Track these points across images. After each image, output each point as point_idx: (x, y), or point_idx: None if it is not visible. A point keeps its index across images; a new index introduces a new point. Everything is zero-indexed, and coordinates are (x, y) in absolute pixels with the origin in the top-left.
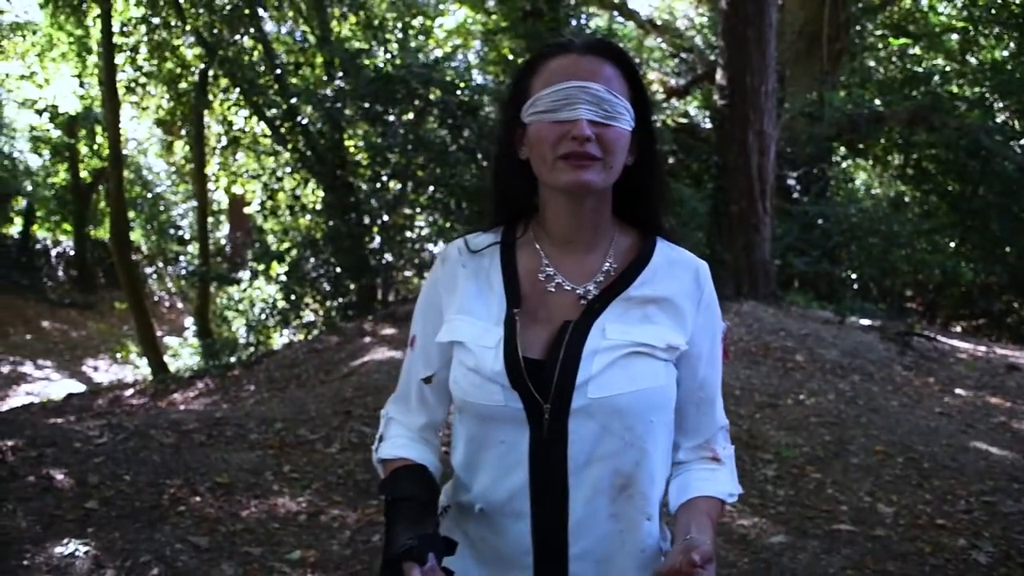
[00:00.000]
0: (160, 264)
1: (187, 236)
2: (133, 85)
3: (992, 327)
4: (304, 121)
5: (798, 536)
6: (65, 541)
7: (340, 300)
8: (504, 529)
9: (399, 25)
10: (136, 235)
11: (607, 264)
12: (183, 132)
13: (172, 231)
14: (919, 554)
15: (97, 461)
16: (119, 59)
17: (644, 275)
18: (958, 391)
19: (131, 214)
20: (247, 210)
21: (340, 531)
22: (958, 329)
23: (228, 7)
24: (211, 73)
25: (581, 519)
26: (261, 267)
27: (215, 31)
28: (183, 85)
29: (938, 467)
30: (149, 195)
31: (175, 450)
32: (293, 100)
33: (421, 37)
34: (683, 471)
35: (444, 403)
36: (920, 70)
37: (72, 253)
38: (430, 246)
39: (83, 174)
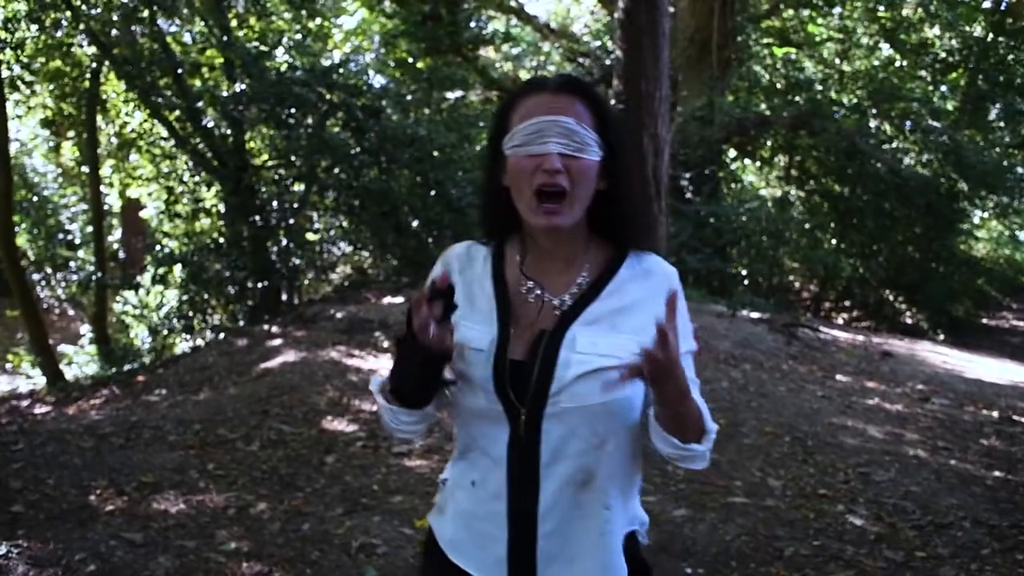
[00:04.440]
0: (48, 270)
1: (77, 241)
2: (18, 83)
3: (870, 318)
4: (208, 124)
5: (697, 509)
6: None
7: (247, 303)
8: (487, 506)
9: (297, 27)
10: (21, 240)
11: (581, 277)
12: (70, 133)
13: (60, 236)
14: (804, 520)
15: (16, 467)
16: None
17: (611, 285)
18: (838, 376)
19: (15, 218)
20: (143, 214)
21: (271, 522)
22: (840, 320)
23: (126, 2)
24: (103, 73)
25: (549, 506)
26: (162, 271)
27: (111, 31)
28: (73, 84)
29: (820, 444)
30: (35, 198)
31: (95, 453)
32: (199, 104)
33: (319, 42)
34: None
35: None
36: (802, 77)
37: None
38: (333, 248)
39: None
